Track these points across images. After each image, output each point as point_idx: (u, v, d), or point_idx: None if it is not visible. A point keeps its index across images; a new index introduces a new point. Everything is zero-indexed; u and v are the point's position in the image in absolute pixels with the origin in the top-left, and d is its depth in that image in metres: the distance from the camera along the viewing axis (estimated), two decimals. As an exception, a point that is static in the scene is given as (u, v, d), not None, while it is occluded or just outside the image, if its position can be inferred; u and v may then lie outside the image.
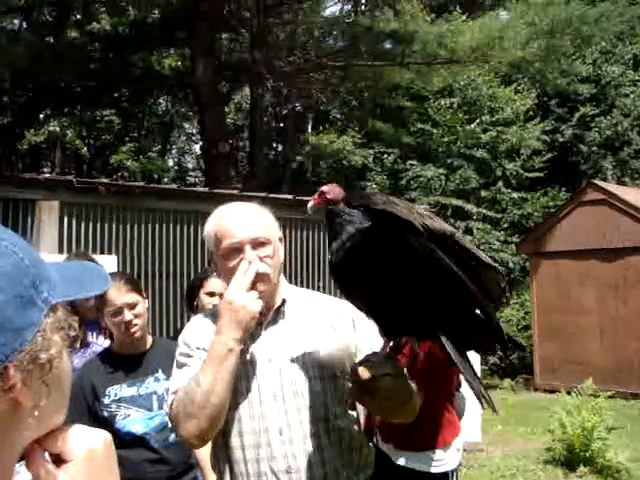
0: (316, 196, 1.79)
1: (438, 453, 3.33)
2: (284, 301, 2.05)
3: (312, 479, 1.92)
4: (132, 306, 2.83)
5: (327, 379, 1.97)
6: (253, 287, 1.89)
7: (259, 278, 1.92)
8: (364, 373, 1.59)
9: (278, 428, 1.93)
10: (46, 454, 0.88)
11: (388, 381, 1.58)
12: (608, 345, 11.41)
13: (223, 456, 2.00)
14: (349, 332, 2.02)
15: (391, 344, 1.67)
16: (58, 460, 0.88)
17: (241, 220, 1.99)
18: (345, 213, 1.70)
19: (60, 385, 0.88)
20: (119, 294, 2.82)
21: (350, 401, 2.03)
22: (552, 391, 11.07)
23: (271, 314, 2.03)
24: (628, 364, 10.99)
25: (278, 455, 1.92)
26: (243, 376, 1.97)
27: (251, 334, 1.98)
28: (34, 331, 0.82)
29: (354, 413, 2.06)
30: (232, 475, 1.97)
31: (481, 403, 1.55)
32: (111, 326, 2.89)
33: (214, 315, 2.05)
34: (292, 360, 1.96)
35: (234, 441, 1.96)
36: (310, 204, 1.82)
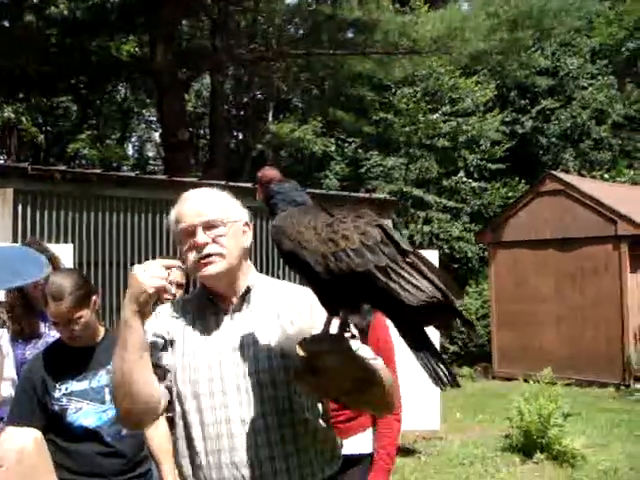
0: (258, 184, 1.80)
1: (370, 432, 3.36)
2: (249, 288, 2.00)
3: (274, 472, 1.88)
4: (74, 321, 2.75)
5: (291, 370, 1.88)
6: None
7: (214, 257, 1.92)
8: (300, 350, 1.54)
9: (240, 419, 1.89)
10: None
11: (328, 359, 1.50)
12: (565, 334, 11.60)
13: (183, 447, 1.97)
14: (309, 319, 1.97)
15: (337, 321, 1.60)
16: None
17: (196, 204, 1.97)
18: (276, 192, 1.73)
19: None
20: (58, 312, 2.73)
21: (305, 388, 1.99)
22: (510, 379, 11.24)
23: (236, 301, 1.99)
24: (584, 353, 11.19)
25: (239, 446, 1.88)
26: (206, 365, 1.93)
27: (216, 322, 1.96)
28: None
29: (320, 406, 2.00)
30: (193, 466, 1.94)
31: (435, 381, 1.44)
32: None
33: (177, 304, 2.06)
34: (256, 350, 1.92)
35: (195, 431, 1.93)
36: (257, 196, 1.83)
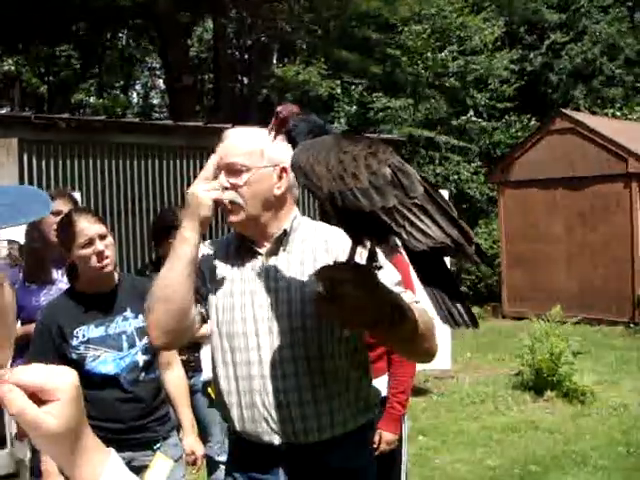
0: (274, 120, 1.75)
1: (386, 376, 3.36)
2: (286, 232, 1.98)
3: (303, 416, 1.89)
4: (103, 236, 2.73)
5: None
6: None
7: (232, 206, 1.92)
8: (320, 276, 1.52)
9: (271, 361, 1.90)
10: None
11: (348, 288, 1.46)
12: (575, 273, 11.59)
13: (220, 386, 2.00)
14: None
15: (364, 251, 1.56)
16: (37, 400, 0.82)
17: (228, 144, 1.96)
18: (295, 126, 1.69)
19: (2, 319, 0.81)
20: (90, 224, 2.72)
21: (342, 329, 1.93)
22: (520, 318, 11.28)
23: (270, 244, 1.97)
24: (594, 291, 11.20)
25: (270, 389, 1.90)
26: (240, 305, 1.94)
27: (252, 263, 1.97)
28: None
29: (356, 354, 1.98)
30: (225, 406, 1.98)
31: (446, 319, 1.37)
32: (80, 260, 2.75)
33: (219, 242, 2.11)
34: (289, 293, 1.91)
35: (229, 370, 1.95)
36: (272, 134, 1.78)
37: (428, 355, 1.93)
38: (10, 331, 0.85)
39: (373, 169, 1.40)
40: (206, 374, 3.96)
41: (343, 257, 1.87)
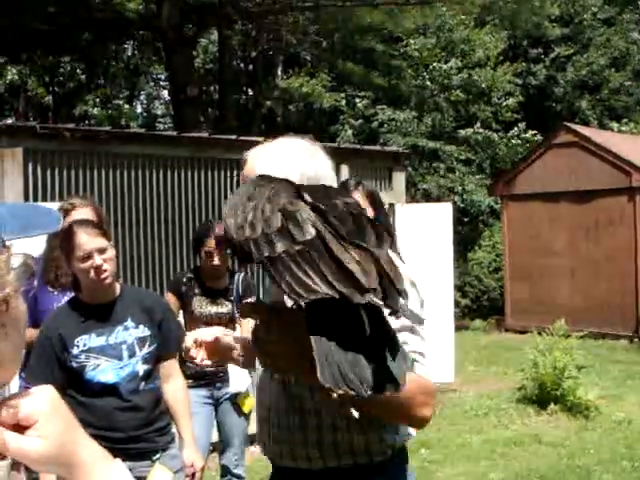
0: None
1: None
2: None
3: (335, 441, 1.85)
4: (102, 250, 2.74)
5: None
6: None
7: None
8: (241, 314, 1.49)
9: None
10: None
11: (261, 331, 1.36)
12: (578, 286, 11.56)
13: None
14: None
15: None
16: (19, 428, 0.80)
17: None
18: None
19: (17, 326, 0.82)
20: (89, 238, 2.73)
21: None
22: (523, 332, 11.24)
23: None
24: (598, 305, 11.16)
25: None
26: None
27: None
28: None
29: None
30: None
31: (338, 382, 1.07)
32: (80, 273, 2.77)
33: None
34: None
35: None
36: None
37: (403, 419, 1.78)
38: (23, 338, 0.85)
39: (266, 216, 1.28)
40: (233, 386, 4.09)
41: None
